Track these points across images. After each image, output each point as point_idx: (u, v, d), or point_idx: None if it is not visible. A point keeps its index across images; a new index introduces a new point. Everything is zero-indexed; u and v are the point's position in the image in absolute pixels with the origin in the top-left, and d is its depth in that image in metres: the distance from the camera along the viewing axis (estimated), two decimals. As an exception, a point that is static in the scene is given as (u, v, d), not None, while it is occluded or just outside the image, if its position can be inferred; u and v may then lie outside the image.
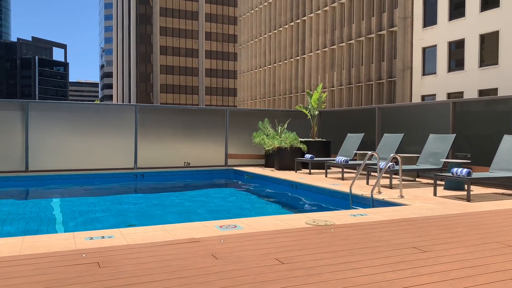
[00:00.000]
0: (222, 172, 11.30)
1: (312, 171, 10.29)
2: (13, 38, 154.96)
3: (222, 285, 2.68)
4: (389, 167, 7.44)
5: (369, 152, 7.27)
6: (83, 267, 3.01)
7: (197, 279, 2.78)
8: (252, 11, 55.74)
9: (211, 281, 2.75)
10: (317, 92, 11.78)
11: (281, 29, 49.17)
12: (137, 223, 6.00)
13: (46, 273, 2.87)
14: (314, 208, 7.54)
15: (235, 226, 4.38)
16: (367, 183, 8.01)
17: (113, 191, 9.31)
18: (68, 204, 7.61)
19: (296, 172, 10.24)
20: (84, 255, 3.28)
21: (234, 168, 11.32)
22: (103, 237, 3.89)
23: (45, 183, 9.32)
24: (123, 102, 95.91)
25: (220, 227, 4.35)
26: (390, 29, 34.73)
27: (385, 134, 9.71)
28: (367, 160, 8.32)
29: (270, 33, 51.41)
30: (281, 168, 10.69)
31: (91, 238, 3.83)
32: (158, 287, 2.65)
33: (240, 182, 10.47)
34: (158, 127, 11.14)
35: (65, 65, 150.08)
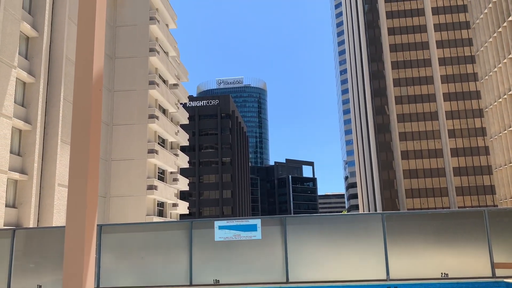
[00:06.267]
0: (489, 285, 9.59)
1: None
2: (271, 162, 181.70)
3: None
4: None
5: None
6: None
7: None
8: (498, 100, 50.57)
9: None
10: None
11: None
12: None
13: None
14: None
15: None
16: None
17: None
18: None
19: None
20: None
21: (505, 280, 9.49)
22: None
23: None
24: (369, 210, 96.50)
25: None
26: None
27: None
28: None
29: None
30: None
31: None
32: None
33: (516, 298, 8.63)
34: (407, 235, 10.58)
35: (313, 180, 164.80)
